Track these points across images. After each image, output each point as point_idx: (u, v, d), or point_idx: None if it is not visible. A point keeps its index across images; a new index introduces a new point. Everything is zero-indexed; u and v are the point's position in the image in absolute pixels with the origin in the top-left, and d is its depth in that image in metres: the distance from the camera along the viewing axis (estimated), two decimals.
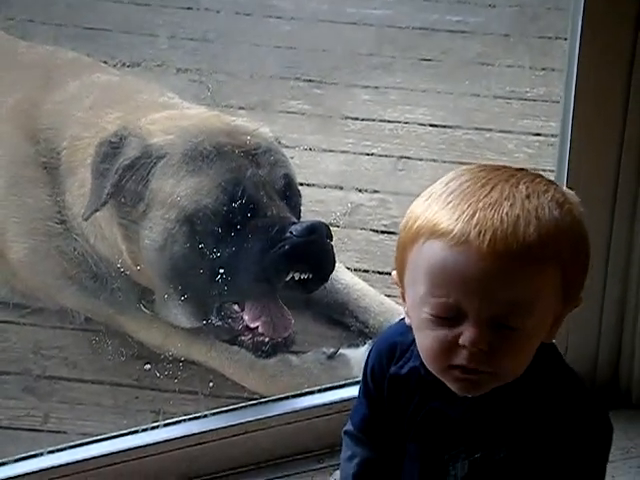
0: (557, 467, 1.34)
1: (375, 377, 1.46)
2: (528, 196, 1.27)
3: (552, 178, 1.84)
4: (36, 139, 2.18)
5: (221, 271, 1.98)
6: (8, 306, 2.23)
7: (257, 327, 2.01)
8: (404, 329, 1.39)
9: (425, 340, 1.30)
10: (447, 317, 1.27)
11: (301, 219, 2.08)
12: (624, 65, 1.72)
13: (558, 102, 2.45)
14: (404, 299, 1.35)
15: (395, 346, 1.43)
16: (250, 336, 2.02)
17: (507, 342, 1.26)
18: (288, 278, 1.96)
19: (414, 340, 1.35)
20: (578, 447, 1.34)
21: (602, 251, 1.87)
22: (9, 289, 2.24)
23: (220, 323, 2.04)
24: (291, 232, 1.94)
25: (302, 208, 2.12)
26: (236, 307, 2.03)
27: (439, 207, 1.28)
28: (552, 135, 2.59)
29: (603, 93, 1.74)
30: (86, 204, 2.06)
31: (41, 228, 2.16)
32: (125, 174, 2.02)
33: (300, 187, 2.16)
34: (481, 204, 1.26)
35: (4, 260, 2.21)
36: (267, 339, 2.01)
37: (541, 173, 1.36)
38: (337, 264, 2.24)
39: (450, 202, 1.27)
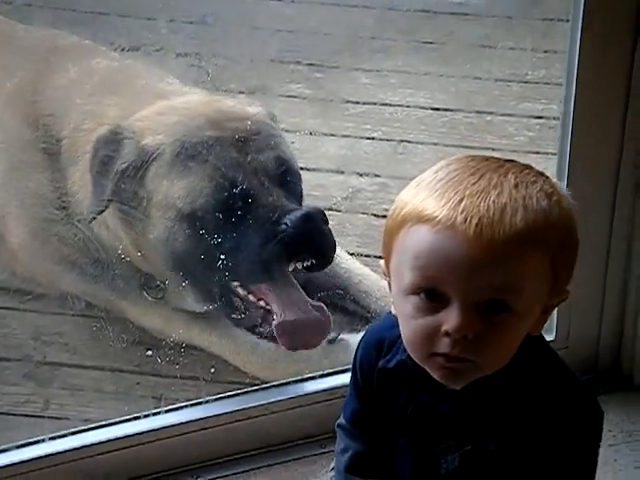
0: (549, 456, 1.34)
1: (364, 371, 1.46)
2: (516, 185, 1.27)
3: (554, 161, 1.87)
4: (36, 125, 2.18)
5: (225, 263, 1.97)
6: (9, 292, 2.23)
7: (275, 311, 1.99)
8: (392, 323, 1.38)
9: (409, 328, 1.30)
10: (431, 303, 1.26)
11: (303, 199, 2.07)
12: (626, 47, 1.71)
13: (559, 85, 2.45)
14: (391, 288, 1.34)
15: (383, 340, 1.43)
16: (267, 322, 2.00)
17: (492, 329, 1.25)
18: (291, 268, 1.96)
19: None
20: (568, 435, 1.33)
21: (604, 235, 1.86)
22: (10, 273, 2.24)
23: (238, 313, 2.03)
24: (286, 223, 1.93)
25: (303, 192, 2.11)
26: (251, 297, 2.02)
27: (427, 194, 1.27)
28: (553, 118, 2.58)
29: (605, 75, 1.73)
30: (89, 207, 2.06)
31: (42, 213, 2.16)
32: (122, 177, 2.02)
33: (300, 172, 2.15)
34: (468, 191, 1.25)
35: (5, 244, 2.21)
36: (289, 323, 1.98)
37: (538, 158, 1.35)
38: (338, 249, 2.24)
39: (438, 190, 1.27)
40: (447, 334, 1.25)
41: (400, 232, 1.29)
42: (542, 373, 1.36)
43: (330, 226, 2.00)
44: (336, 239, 2.21)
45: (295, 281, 2.01)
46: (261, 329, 2.03)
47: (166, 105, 2.10)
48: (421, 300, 1.27)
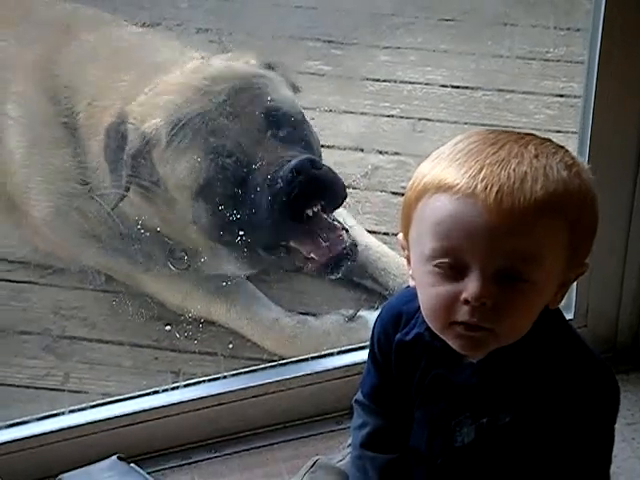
0: (564, 431, 1.34)
1: (382, 346, 1.46)
2: (537, 156, 1.28)
3: (574, 140, 1.86)
4: (57, 98, 2.18)
5: (251, 224, 1.99)
6: (29, 266, 2.24)
7: (312, 256, 2.00)
8: (409, 297, 1.40)
9: (428, 297, 1.30)
10: (451, 270, 1.27)
11: (310, 135, 2.06)
12: None
13: (580, 63, 2.43)
14: (409, 262, 1.35)
15: (400, 314, 1.43)
16: (310, 265, 2.01)
17: (510, 298, 1.26)
18: (305, 218, 1.96)
19: (419, 308, 1.35)
20: (584, 410, 1.34)
21: (625, 213, 1.85)
22: (31, 249, 2.25)
23: (281, 258, 2.04)
24: (279, 181, 1.93)
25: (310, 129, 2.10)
26: (291, 243, 2.01)
27: (447, 164, 1.28)
28: (574, 96, 2.56)
29: (628, 53, 1.72)
30: (109, 196, 2.07)
31: (64, 188, 2.17)
32: (134, 164, 2.03)
33: (301, 111, 2.11)
34: (488, 160, 1.26)
35: (27, 219, 2.22)
36: (326, 260, 1.99)
37: (559, 136, 1.36)
38: (356, 226, 2.24)
39: (458, 159, 1.28)
40: (466, 302, 1.26)
41: (420, 202, 1.30)
42: (559, 347, 1.36)
43: (335, 173, 2.01)
44: (354, 217, 2.21)
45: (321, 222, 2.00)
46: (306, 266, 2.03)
47: (161, 83, 2.09)
48: (441, 268, 1.27)
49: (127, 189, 2.04)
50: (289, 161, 1.95)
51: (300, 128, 2.06)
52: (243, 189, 1.99)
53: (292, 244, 2.01)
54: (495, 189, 1.24)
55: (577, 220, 1.28)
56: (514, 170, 1.25)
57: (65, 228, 2.19)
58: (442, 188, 1.27)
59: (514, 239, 1.24)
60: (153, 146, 2.02)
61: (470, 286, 1.25)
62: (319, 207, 1.98)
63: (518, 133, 1.33)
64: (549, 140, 1.33)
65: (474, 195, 1.24)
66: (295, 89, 2.16)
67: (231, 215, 2.00)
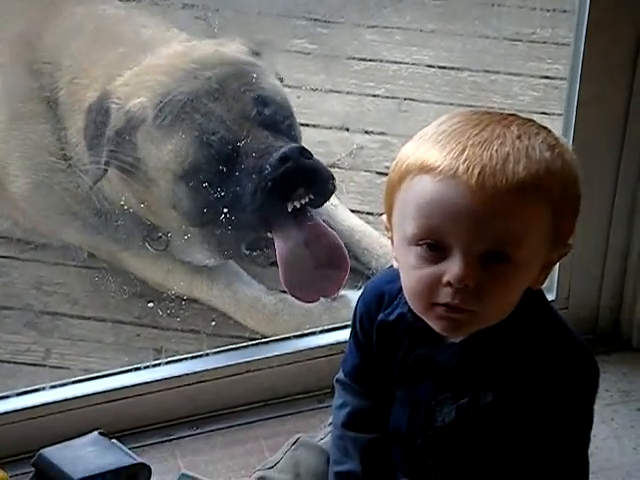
0: (543, 411, 1.35)
1: (364, 325, 1.46)
2: (519, 136, 1.28)
3: (558, 122, 1.86)
4: (38, 72, 2.16)
5: (233, 212, 1.97)
6: (10, 241, 2.23)
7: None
8: (392, 277, 1.40)
9: (411, 278, 1.30)
10: (433, 252, 1.27)
11: (296, 128, 2.05)
12: (637, 8, 1.69)
13: (565, 44, 2.43)
14: (393, 243, 1.35)
15: (383, 294, 1.43)
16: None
17: (492, 279, 1.26)
18: (290, 209, 1.94)
19: (402, 288, 1.35)
20: (564, 390, 1.35)
21: (608, 196, 1.86)
22: (11, 223, 2.24)
23: (257, 253, 2.02)
24: (267, 168, 1.91)
25: (304, 144, 2.08)
26: (269, 234, 1.98)
27: (429, 145, 1.28)
28: (559, 78, 2.56)
29: (613, 36, 1.72)
30: (88, 173, 2.05)
31: (44, 163, 2.15)
32: (115, 143, 2.01)
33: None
34: (471, 141, 1.26)
35: (6, 194, 2.21)
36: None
37: (544, 118, 1.36)
38: (339, 206, 2.24)
39: (440, 141, 1.28)
40: (448, 284, 1.26)
41: (403, 183, 1.29)
42: (540, 328, 1.36)
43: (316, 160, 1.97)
44: (338, 196, 2.20)
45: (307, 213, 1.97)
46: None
47: (147, 64, 2.07)
48: (423, 250, 1.27)
49: (107, 164, 2.01)
50: (277, 149, 1.94)
51: (288, 119, 2.05)
52: (229, 175, 1.97)
53: (271, 235, 1.98)
54: (477, 170, 1.24)
55: (560, 201, 1.28)
56: (496, 151, 1.25)
57: (43, 204, 2.18)
58: (424, 169, 1.27)
59: (496, 221, 1.24)
60: (138, 125, 2.01)
61: (452, 268, 1.25)
62: (306, 200, 1.95)
63: (501, 114, 1.33)
64: (532, 121, 1.33)
65: (456, 176, 1.24)
66: (280, 79, 2.16)
67: (214, 201, 1.98)
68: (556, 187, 1.27)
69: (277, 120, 2.02)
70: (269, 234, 1.98)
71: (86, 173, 2.07)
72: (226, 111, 1.99)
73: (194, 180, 1.98)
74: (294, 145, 1.96)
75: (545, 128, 1.33)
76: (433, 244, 1.27)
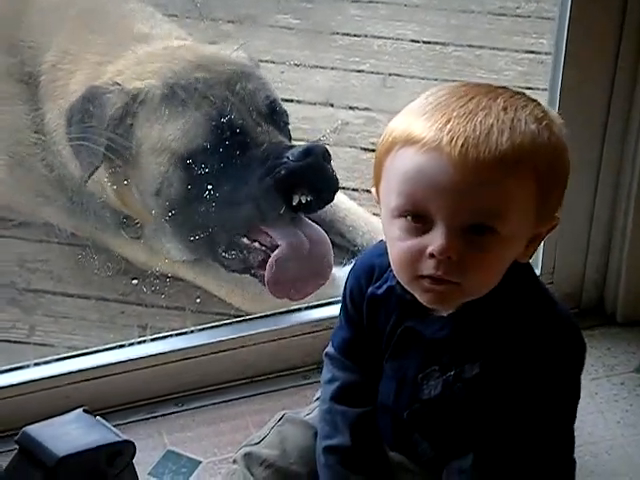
0: (529, 384, 1.35)
1: (354, 299, 1.46)
2: (505, 108, 1.27)
3: (543, 97, 1.85)
4: (15, 51, 2.13)
5: (222, 207, 1.95)
6: None
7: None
8: (382, 250, 1.39)
9: (395, 251, 1.31)
10: (417, 224, 1.27)
11: (292, 139, 2.05)
12: None
13: (550, 19, 2.43)
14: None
15: (373, 267, 1.44)
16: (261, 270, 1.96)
17: (476, 252, 1.26)
18: (295, 202, 1.92)
19: None
20: (549, 363, 1.35)
21: (593, 170, 1.86)
22: None
23: (232, 256, 2.00)
24: (287, 157, 1.91)
25: (290, 126, 2.08)
26: (245, 240, 1.97)
27: (415, 117, 1.28)
28: (544, 53, 2.56)
29: (598, 10, 1.72)
30: (81, 165, 2.01)
31: (19, 146, 2.13)
32: (115, 126, 1.97)
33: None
34: (455, 113, 1.25)
35: None
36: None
37: (529, 93, 1.35)
38: None
39: (426, 112, 1.27)
40: (432, 255, 1.26)
41: (389, 156, 1.30)
42: (528, 302, 1.37)
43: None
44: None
45: (303, 217, 1.96)
46: (256, 271, 1.99)
47: (148, 53, 2.05)
48: (407, 222, 1.27)
49: (100, 163, 1.99)
50: (291, 146, 1.93)
51: (287, 126, 2.05)
52: (235, 163, 1.95)
53: (248, 241, 1.95)
54: (460, 142, 1.23)
55: (546, 173, 1.27)
56: (480, 122, 1.25)
57: (18, 186, 2.16)
58: (410, 141, 1.26)
59: (479, 193, 1.24)
60: (142, 105, 1.97)
61: (435, 240, 1.25)
62: (309, 199, 1.93)
63: (490, 86, 1.32)
64: (522, 94, 1.33)
65: (439, 148, 1.24)
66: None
67: (206, 192, 1.95)
68: (542, 160, 1.27)
69: (283, 124, 2.03)
70: (247, 239, 1.95)
71: (79, 166, 2.02)
72: (239, 101, 1.98)
73: (193, 165, 1.95)
74: (319, 144, 1.95)
75: (534, 101, 1.32)
76: (417, 216, 1.27)
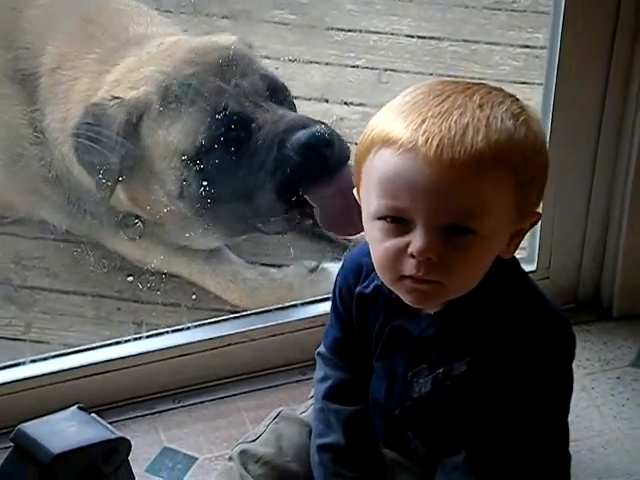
0: (518, 379, 1.35)
1: (343, 298, 1.47)
2: (481, 106, 1.26)
3: (539, 91, 1.85)
4: (13, 50, 2.12)
5: (238, 197, 1.96)
6: None
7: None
8: (369, 250, 1.39)
9: (377, 252, 1.30)
10: (396, 226, 1.26)
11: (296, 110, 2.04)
12: None
13: (545, 13, 2.42)
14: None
15: (361, 266, 1.43)
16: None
17: (456, 251, 1.26)
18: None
19: None
20: (538, 358, 1.35)
21: (588, 164, 1.86)
22: None
23: (273, 221, 1.99)
24: (290, 150, 1.91)
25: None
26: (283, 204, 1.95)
27: (393, 117, 1.27)
28: (540, 47, 2.56)
29: (593, 4, 1.71)
30: (97, 185, 2.00)
31: (16, 146, 2.12)
32: (124, 140, 1.96)
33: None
34: (431, 112, 1.24)
35: None
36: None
37: (524, 88, 1.34)
38: None
39: (403, 112, 1.26)
40: (412, 256, 1.26)
41: (367, 158, 1.29)
42: (514, 297, 1.36)
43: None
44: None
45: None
46: (302, 222, 2.00)
47: (139, 59, 2.04)
48: (387, 224, 1.27)
49: (118, 178, 1.97)
50: (292, 129, 1.92)
51: (290, 98, 2.05)
52: (242, 152, 1.94)
53: (304, 193, 1.94)
54: (435, 142, 1.22)
55: (523, 170, 1.27)
56: (455, 122, 1.24)
57: (15, 186, 2.15)
58: (387, 143, 1.26)
59: (456, 194, 1.24)
60: (142, 114, 1.97)
61: (415, 241, 1.25)
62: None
63: (467, 83, 1.31)
64: (499, 89, 1.32)
65: (415, 149, 1.23)
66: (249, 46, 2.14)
67: (225, 178, 1.95)
68: (518, 156, 1.26)
69: (282, 98, 2.02)
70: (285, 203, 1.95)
71: (95, 185, 2.01)
72: (234, 87, 1.97)
73: (205, 162, 1.94)
74: (319, 129, 1.94)
75: (512, 96, 1.31)
76: (396, 218, 1.26)
